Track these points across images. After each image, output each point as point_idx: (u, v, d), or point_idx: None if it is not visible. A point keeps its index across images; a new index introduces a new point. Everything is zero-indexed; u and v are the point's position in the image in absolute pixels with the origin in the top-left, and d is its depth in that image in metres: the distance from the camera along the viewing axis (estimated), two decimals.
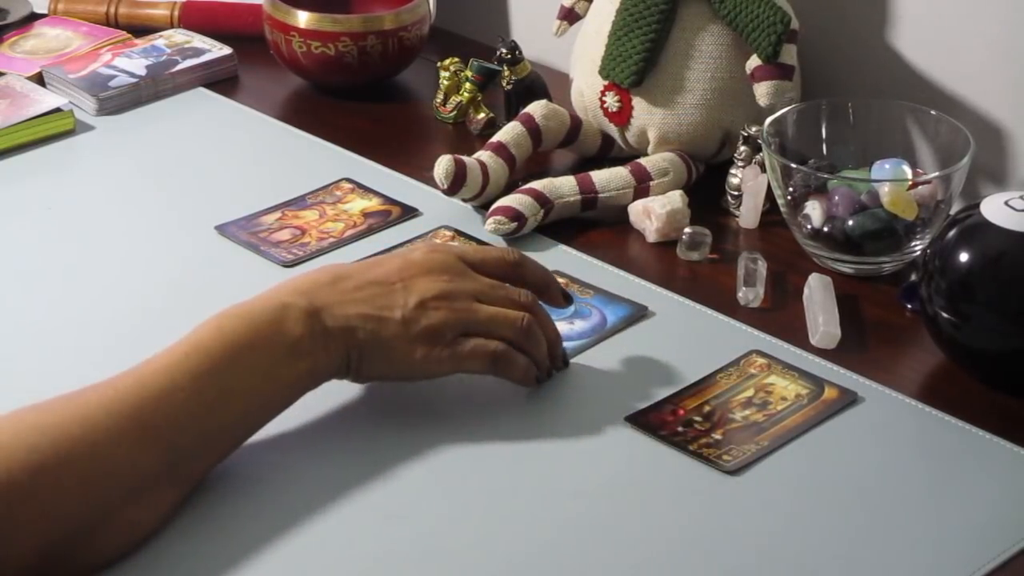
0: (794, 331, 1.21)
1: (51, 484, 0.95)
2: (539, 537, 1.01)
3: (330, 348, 1.06)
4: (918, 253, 1.26)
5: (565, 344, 1.18)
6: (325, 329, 1.06)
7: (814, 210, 1.28)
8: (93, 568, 0.97)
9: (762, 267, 1.27)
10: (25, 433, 0.96)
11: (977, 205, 1.14)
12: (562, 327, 1.20)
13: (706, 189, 1.39)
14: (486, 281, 1.12)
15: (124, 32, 1.68)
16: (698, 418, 1.11)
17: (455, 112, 1.53)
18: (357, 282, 1.09)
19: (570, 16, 1.47)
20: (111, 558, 0.97)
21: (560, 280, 1.26)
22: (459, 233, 1.33)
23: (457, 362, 1.09)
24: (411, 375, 1.10)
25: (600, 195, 1.36)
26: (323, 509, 1.03)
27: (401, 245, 1.32)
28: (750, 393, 1.14)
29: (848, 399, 1.13)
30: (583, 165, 1.43)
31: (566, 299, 1.18)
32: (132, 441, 0.98)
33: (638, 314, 1.23)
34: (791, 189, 1.28)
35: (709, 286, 1.28)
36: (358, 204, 1.39)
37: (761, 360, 1.17)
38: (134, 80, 1.57)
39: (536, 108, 1.43)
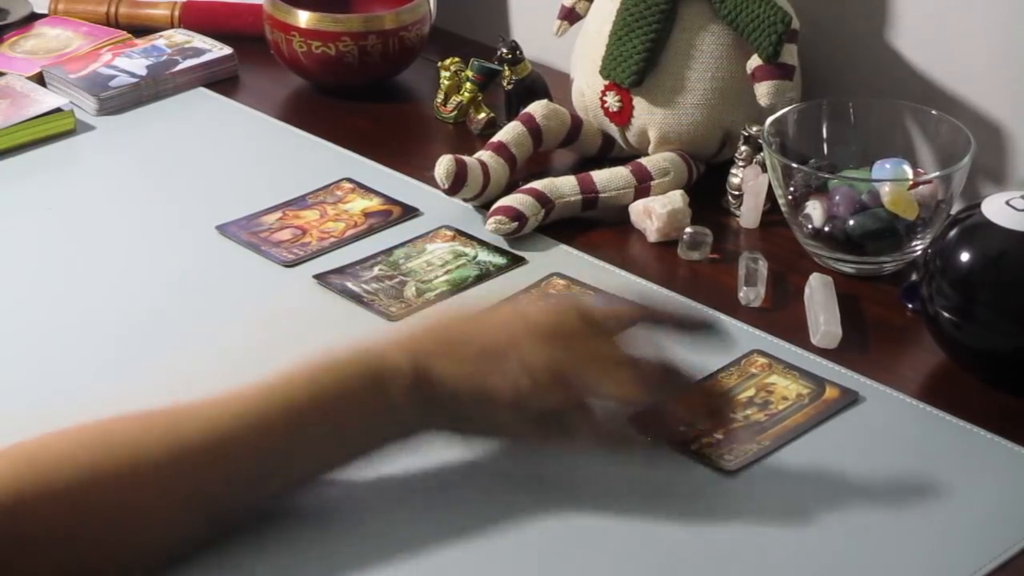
0: (795, 331, 1.21)
1: (75, 526, 0.93)
2: (539, 537, 1.01)
3: (428, 418, 1.01)
4: (919, 253, 1.26)
5: None
6: (427, 398, 1.00)
7: (815, 210, 1.28)
8: None
9: (763, 267, 1.27)
10: (68, 467, 0.93)
11: (978, 205, 1.14)
12: None
13: (707, 189, 1.39)
14: (608, 345, 1.04)
15: (124, 32, 1.68)
16: None
17: (456, 112, 1.53)
18: (469, 346, 1.01)
19: (571, 16, 1.47)
20: None
21: (561, 281, 1.27)
22: (460, 233, 1.33)
23: (569, 441, 1.03)
24: (518, 445, 1.04)
25: (601, 195, 1.36)
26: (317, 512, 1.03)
27: (403, 244, 1.32)
28: (751, 393, 1.14)
29: (849, 399, 1.13)
30: (584, 165, 1.43)
31: (708, 329, 1.09)
32: (168, 489, 0.95)
33: None
34: (792, 189, 1.28)
35: (710, 286, 1.28)
36: (359, 204, 1.39)
37: (762, 360, 1.17)
38: (134, 80, 1.57)
39: (537, 108, 1.43)
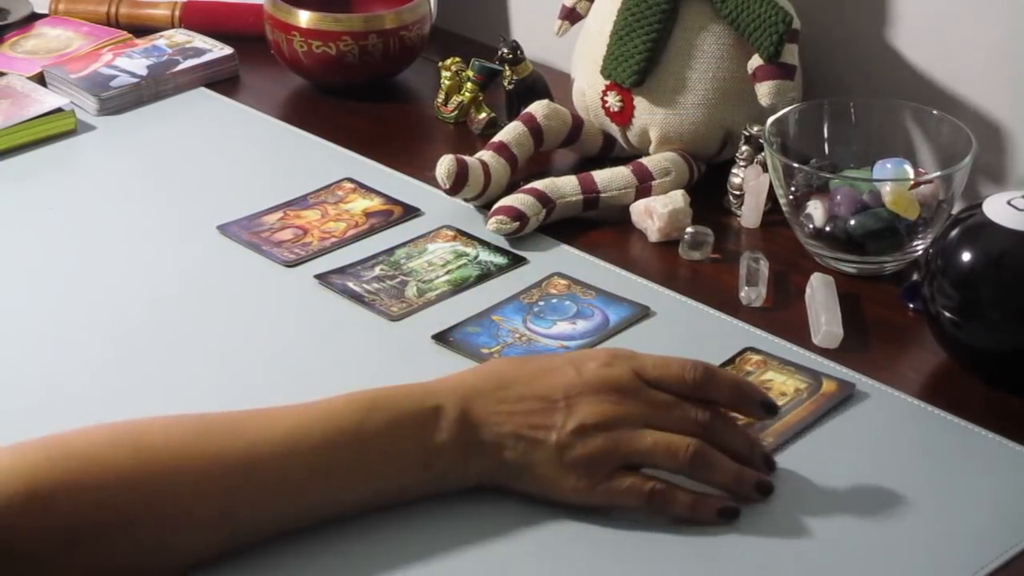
0: (796, 330, 1.21)
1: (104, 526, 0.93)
2: (538, 539, 1.01)
3: (471, 463, 1.00)
4: (920, 253, 1.26)
5: (569, 344, 1.18)
6: (472, 443, 1.00)
7: (816, 210, 1.28)
8: None
9: (764, 266, 1.27)
10: (98, 466, 0.93)
11: (979, 204, 1.14)
12: (565, 328, 1.21)
13: (708, 189, 1.39)
14: (660, 400, 1.02)
15: (125, 32, 1.68)
16: None
17: (456, 112, 1.53)
18: (519, 392, 1.01)
19: (571, 16, 1.47)
20: None
21: (562, 281, 1.27)
22: (461, 233, 1.33)
23: (610, 498, 1.01)
24: (558, 500, 1.01)
25: (602, 195, 1.36)
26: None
27: (404, 244, 1.32)
28: None
29: (847, 391, 1.13)
30: (584, 165, 1.43)
31: (768, 409, 1.05)
32: (198, 505, 0.95)
33: (640, 314, 1.23)
34: (793, 189, 1.28)
35: (711, 286, 1.28)
36: (360, 204, 1.39)
37: (756, 357, 1.17)
38: (135, 80, 1.57)
39: (537, 108, 1.43)
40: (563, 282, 1.27)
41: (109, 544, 0.93)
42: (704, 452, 1.01)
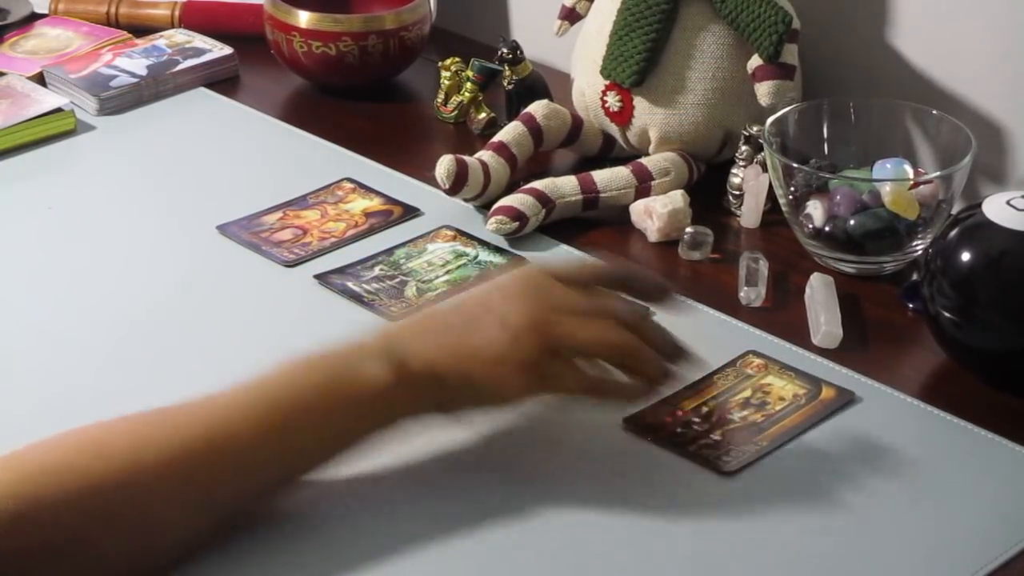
0: (796, 331, 1.21)
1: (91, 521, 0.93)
2: (536, 539, 1.01)
3: (414, 391, 1.01)
4: (920, 253, 1.26)
5: None
6: (408, 372, 1.00)
7: (816, 210, 1.28)
8: None
9: (764, 267, 1.27)
10: (70, 474, 0.93)
11: (979, 205, 1.14)
12: None
13: (707, 189, 1.39)
14: (581, 297, 1.05)
15: (125, 32, 1.68)
16: (696, 419, 1.11)
17: (456, 112, 1.53)
18: (445, 320, 1.03)
19: (571, 16, 1.47)
20: None
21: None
22: (460, 233, 1.33)
23: (553, 390, 1.03)
24: (507, 405, 1.04)
25: (602, 195, 1.36)
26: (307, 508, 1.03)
27: (404, 244, 1.32)
28: (748, 394, 1.14)
29: (845, 398, 1.13)
30: (584, 165, 1.43)
31: (660, 292, 1.11)
32: (173, 492, 0.95)
33: None
34: (792, 189, 1.28)
35: (711, 286, 1.28)
36: (359, 204, 1.39)
37: (758, 360, 1.17)
38: (135, 80, 1.57)
39: (537, 108, 1.43)
40: None
41: (97, 550, 0.93)
42: (634, 343, 1.04)
